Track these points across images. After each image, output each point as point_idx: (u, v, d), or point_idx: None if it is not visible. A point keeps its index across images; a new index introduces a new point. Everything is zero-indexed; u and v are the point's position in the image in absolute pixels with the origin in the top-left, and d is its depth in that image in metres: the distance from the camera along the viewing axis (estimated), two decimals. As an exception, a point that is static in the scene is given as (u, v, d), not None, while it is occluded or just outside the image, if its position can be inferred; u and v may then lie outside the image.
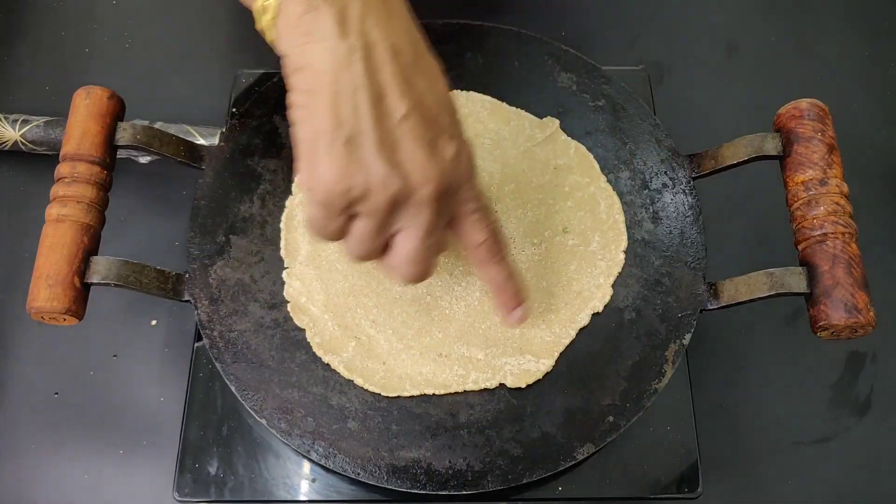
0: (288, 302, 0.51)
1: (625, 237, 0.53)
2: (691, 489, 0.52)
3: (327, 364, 0.49)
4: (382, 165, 0.38)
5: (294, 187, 0.55)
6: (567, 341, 0.50)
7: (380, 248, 0.42)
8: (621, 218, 0.53)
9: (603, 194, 0.54)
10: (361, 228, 0.41)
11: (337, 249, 0.52)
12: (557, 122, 0.57)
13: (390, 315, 0.51)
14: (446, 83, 0.42)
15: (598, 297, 0.51)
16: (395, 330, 0.50)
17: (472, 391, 0.49)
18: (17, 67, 0.73)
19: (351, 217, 0.40)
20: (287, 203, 0.54)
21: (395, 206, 0.40)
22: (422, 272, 0.42)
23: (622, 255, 0.52)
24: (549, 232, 0.53)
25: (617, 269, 0.52)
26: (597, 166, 0.55)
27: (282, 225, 0.54)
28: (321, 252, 0.52)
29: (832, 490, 0.59)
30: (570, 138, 0.56)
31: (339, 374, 0.49)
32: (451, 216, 0.42)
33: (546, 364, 0.49)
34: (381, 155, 0.38)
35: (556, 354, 0.50)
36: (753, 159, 0.52)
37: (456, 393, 0.49)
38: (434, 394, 0.49)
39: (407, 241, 0.41)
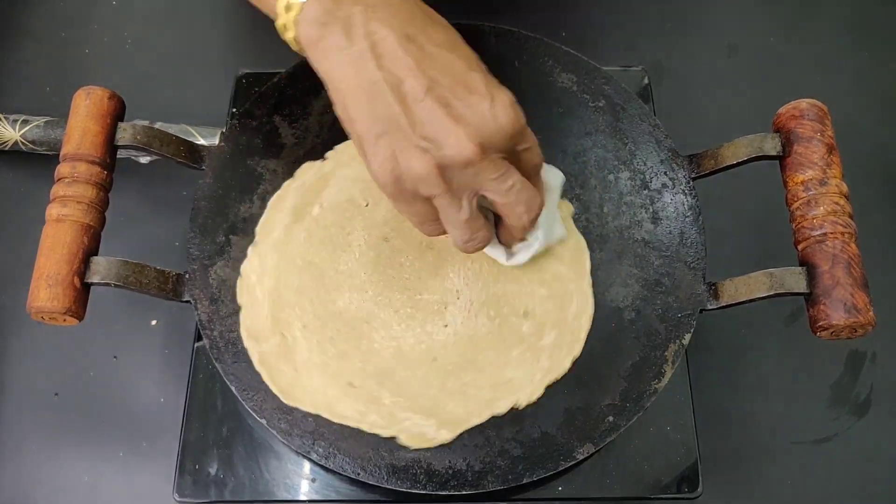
0: (240, 276, 0.51)
1: (580, 348, 0.50)
2: (691, 489, 0.52)
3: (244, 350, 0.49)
4: (416, 147, 0.40)
5: (298, 171, 0.55)
6: (475, 421, 0.48)
7: (482, 224, 0.44)
8: (586, 327, 0.51)
9: (580, 296, 0.51)
10: (441, 207, 0.43)
11: (302, 244, 0.52)
12: (572, 208, 0.55)
13: (323, 326, 0.50)
14: (466, 50, 0.43)
15: (526, 392, 0.49)
16: (320, 342, 0.49)
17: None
18: (17, 67, 0.73)
19: (428, 201, 0.43)
20: (284, 184, 0.54)
21: (450, 177, 0.41)
22: (531, 201, 0.44)
23: (569, 364, 0.50)
24: (508, 310, 0.51)
25: (556, 375, 0.49)
26: (587, 266, 0.53)
27: (269, 203, 0.53)
28: (292, 240, 0.52)
29: (832, 490, 0.59)
30: (575, 228, 0.54)
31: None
32: (512, 157, 0.43)
33: (444, 435, 0.47)
34: (414, 137, 0.40)
35: (458, 432, 0.47)
36: (753, 159, 0.52)
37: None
38: (328, 419, 0.47)
39: (497, 195, 0.43)
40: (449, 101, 0.40)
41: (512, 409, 0.48)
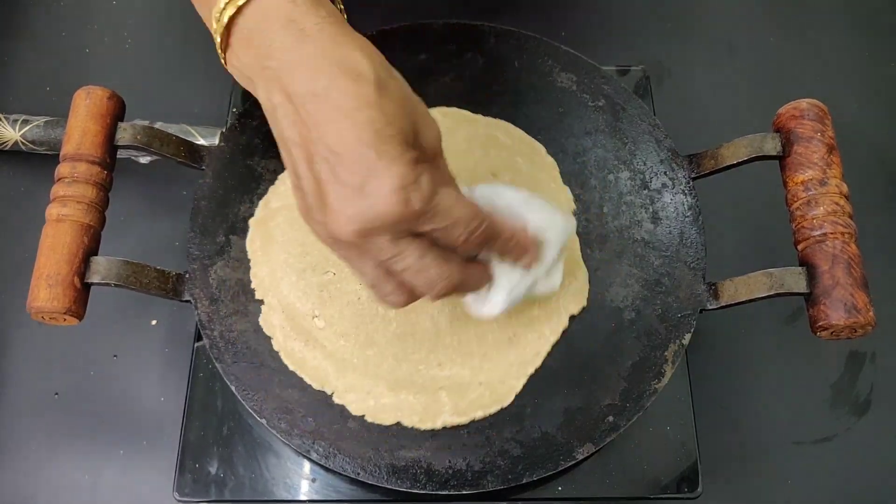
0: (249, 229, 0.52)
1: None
2: (691, 489, 0.52)
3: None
4: (312, 213, 0.40)
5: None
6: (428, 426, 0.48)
7: (391, 289, 0.41)
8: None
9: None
10: (347, 263, 0.42)
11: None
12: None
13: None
14: (371, 112, 0.38)
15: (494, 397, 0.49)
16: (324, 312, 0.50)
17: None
18: (17, 67, 0.73)
19: None
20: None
21: (342, 245, 0.40)
22: (432, 283, 0.41)
23: (540, 359, 0.50)
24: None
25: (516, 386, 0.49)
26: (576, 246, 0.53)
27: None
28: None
29: (832, 490, 0.59)
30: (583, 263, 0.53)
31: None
32: (428, 236, 0.41)
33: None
34: (309, 203, 0.39)
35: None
36: (753, 159, 0.52)
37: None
38: (306, 380, 0.49)
39: (392, 270, 0.40)
40: (329, 178, 0.38)
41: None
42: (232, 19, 0.40)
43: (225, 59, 0.43)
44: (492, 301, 0.45)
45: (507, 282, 0.45)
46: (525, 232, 0.44)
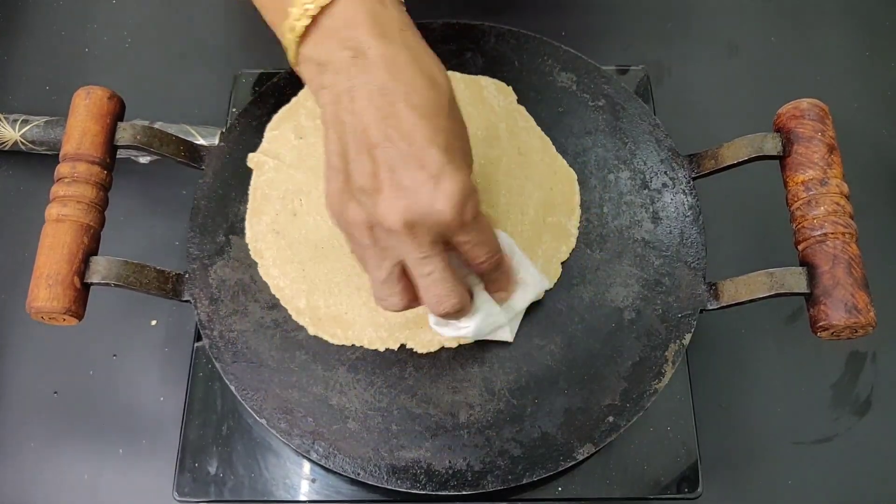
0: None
1: (507, 339, 0.50)
2: (691, 489, 0.52)
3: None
4: (355, 195, 0.41)
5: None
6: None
7: (397, 290, 0.43)
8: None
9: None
10: (366, 258, 0.43)
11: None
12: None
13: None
14: (445, 122, 0.41)
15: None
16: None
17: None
18: (17, 67, 0.73)
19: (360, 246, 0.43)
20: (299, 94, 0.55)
21: (377, 236, 0.41)
22: (442, 298, 0.42)
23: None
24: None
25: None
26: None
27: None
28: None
29: (832, 490, 0.59)
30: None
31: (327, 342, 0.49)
32: (451, 242, 0.42)
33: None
34: (357, 185, 0.40)
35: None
36: (753, 159, 0.52)
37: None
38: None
39: (413, 272, 0.42)
40: (396, 165, 0.39)
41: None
42: (320, 13, 0.42)
43: (299, 46, 0.43)
44: (463, 325, 0.47)
45: (485, 313, 0.47)
46: (511, 269, 0.48)
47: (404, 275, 0.43)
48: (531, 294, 0.49)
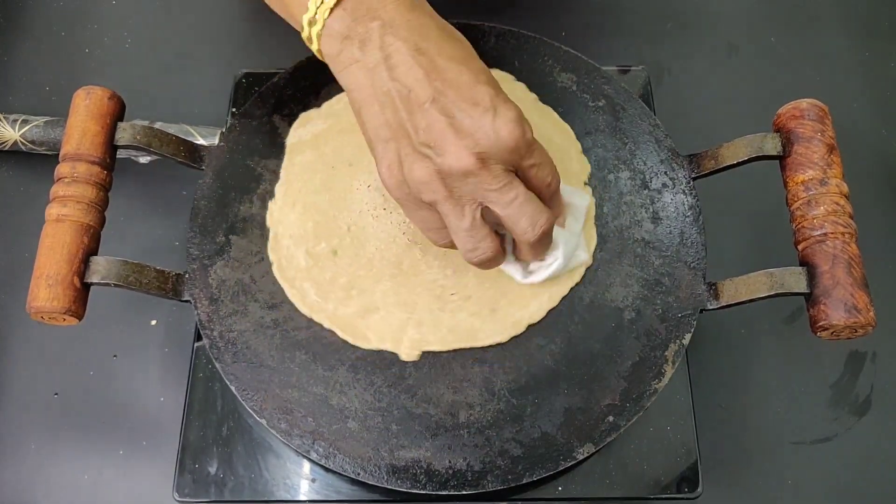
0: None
1: (586, 259, 0.52)
2: (691, 489, 0.52)
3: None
4: (419, 153, 0.42)
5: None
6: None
7: (485, 233, 0.44)
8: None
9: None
10: (444, 215, 0.44)
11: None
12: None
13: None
14: (477, 64, 0.44)
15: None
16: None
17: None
18: (17, 67, 0.74)
19: (433, 208, 0.44)
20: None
21: (451, 185, 0.42)
22: (536, 216, 0.43)
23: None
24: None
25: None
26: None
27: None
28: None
29: (832, 490, 0.59)
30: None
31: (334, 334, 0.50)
32: (520, 172, 0.44)
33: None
34: (417, 144, 0.42)
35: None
36: (753, 159, 0.52)
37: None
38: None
39: (498, 207, 0.43)
40: (452, 111, 0.41)
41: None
42: None
43: (325, 22, 0.44)
44: (550, 260, 0.49)
45: (563, 240, 0.49)
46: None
47: (486, 221, 0.44)
48: (582, 212, 0.51)
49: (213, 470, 0.52)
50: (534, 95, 0.57)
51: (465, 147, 0.41)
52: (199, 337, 0.55)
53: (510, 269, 0.50)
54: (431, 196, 0.43)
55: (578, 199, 0.51)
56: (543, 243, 0.46)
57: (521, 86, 0.58)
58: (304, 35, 0.45)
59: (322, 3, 0.43)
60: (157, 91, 0.71)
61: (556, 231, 0.48)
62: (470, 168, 0.41)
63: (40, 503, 0.58)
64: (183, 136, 0.56)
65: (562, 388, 0.49)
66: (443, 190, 0.42)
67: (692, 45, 0.76)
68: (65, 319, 0.47)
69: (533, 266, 0.49)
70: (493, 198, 0.43)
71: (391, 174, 0.43)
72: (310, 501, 0.52)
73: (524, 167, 0.43)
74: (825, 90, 0.62)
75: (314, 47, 0.45)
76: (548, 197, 0.46)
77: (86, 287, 0.48)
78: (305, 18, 0.44)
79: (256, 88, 0.59)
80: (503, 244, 0.47)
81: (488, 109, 0.41)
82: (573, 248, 0.50)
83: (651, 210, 0.54)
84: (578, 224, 0.51)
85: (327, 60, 0.45)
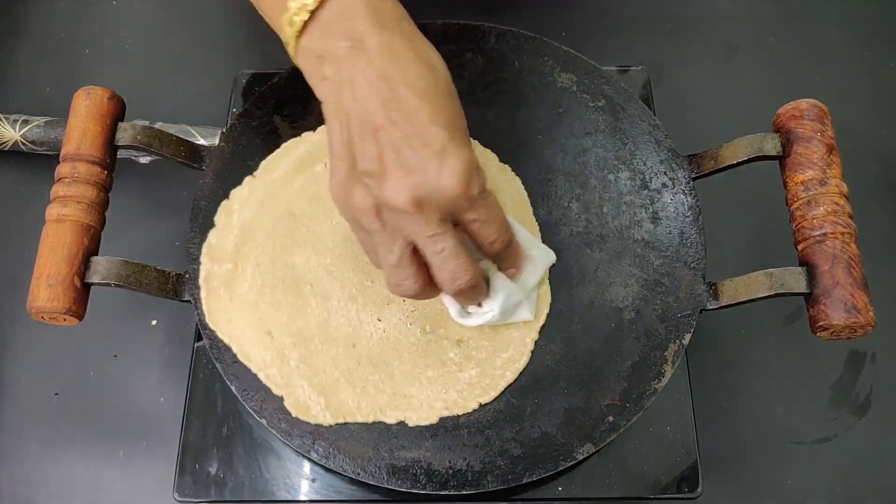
0: (227, 198, 0.53)
1: (491, 396, 0.49)
2: (691, 489, 0.52)
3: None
4: (361, 179, 0.41)
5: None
6: (360, 419, 0.48)
7: (410, 273, 0.43)
8: (509, 379, 0.49)
9: (518, 347, 0.50)
10: (377, 244, 0.43)
11: (295, 192, 0.53)
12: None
13: (272, 272, 0.51)
14: (444, 101, 0.42)
15: (420, 415, 0.48)
16: (262, 285, 0.51)
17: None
18: (17, 67, 0.73)
19: (369, 234, 0.43)
20: (305, 134, 0.56)
21: (387, 219, 0.42)
22: (457, 273, 0.43)
23: (474, 406, 0.48)
24: (445, 331, 0.50)
25: (456, 412, 0.48)
26: (541, 322, 0.51)
27: (283, 145, 0.55)
28: (286, 186, 0.53)
29: (832, 490, 0.59)
30: (547, 281, 0.52)
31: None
32: (461, 224, 0.43)
33: (325, 418, 0.48)
34: (362, 169, 0.41)
35: (338, 421, 0.48)
36: (753, 159, 0.52)
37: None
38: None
39: (426, 252, 0.42)
40: (400, 146, 0.40)
41: (399, 423, 0.48)
42: (318, 6, 0.42)
43: (298, 39, 0.44)
44: (486, 309, 0.48)
45: (505, 293, 0.47)
46: (519, 246, 0.48)
47: (416, 257, 0.43)
48: (541, 268, 0.50)
49: (213, 470, 0.52)
50: (494, 157, 0.56)
51: (405, 185, 0.40)
52: (199, 337, 0.55)
53: (448, 304, 0.49)
54: (367, 224, 0.42)
55: (543, 253, 0.50)
56: (467, 297, 0.45)
57: (489, 152, 0.56)
58: (283, 38, 0.45)
59: (292, 23, 0.43)
60: (157, 91, 0.71)
61: (502, 283, 0.47)
62: (405, 208, 0.40)
63: (40, 503, 0.58)
64: (183, 136, 0.56)
65: (562, 388, 0.49)
66: (376, 222, 0.42)
67: (692, 45, 0.76)
68: (65, 319, 0.47)
69: (472, 308, 0.48)
70: (421, 242, 0.42)
71: (337, 192, 0.43)
72: (310, 501, 0.52)
73: (465, 220, 0.42)
74: (825, 90, 0.62)
75: (290, 50, 0.45)
76: (491, 253, 0.45)
77: (86, 287, 0.48)
78: (285, 19, 0.43)
79: (256, 88, 0.59)
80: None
81: (437, 154, 0.40)
82: (515, 303, 0.48)
83: (651, 210, 0.54)
84: (534, 278, 0.49)
85: (304, 74, 0.45)
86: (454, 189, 0.40)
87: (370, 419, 0.48)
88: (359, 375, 0.49)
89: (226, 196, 0.54)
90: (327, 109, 0.43)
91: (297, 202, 0.53)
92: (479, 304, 0.48)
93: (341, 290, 0.51)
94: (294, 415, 0.47)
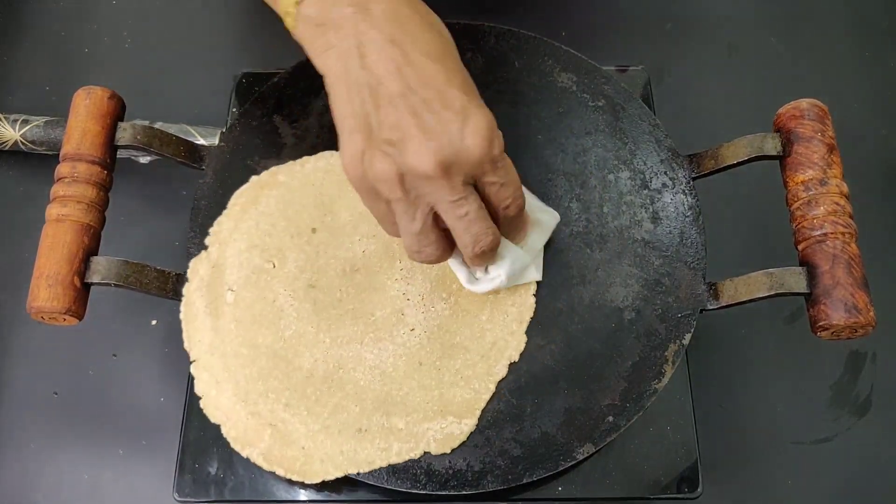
0: (200, 398, 0.48)
1: (536, 278, 0.50)
2: (691, 489, 0.52)
3: (246, 458, 0.47)
4: (381, 148, 0.40)
5: (188, 272, 0.51)
6: (487, 396, 0.48)
7: (433, 239, 0.43)
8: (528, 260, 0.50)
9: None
10: (397, 213, 0.43)
11: (238, 335, 0.49)
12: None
13: (303, 395, 0.47)
14: (454, 63, 0.42)
15: (513, 345, 0.49)
16: (309, 410, 0.47)
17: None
18: (17, 67, 0.73)
19: (389, 203, 0.43)
20: (184, 290, 0.50)
21: (409, 186, 0.41)
22: (480, 236, 0.43)
23: (532, 299, 0.50)
24: (457, 284, 0.50)
25: (529, 314, 0.50)
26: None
27: (181, 316, 0.50)
28: (224, 338, 0.49)
29: (832, 490, 0.59)
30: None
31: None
32: (479, 186, 0.43)
33: (469, 424, 0.47)
34: (380, 139, 0.40)
35: (478, 412, 0.48)
36: (753, 159, 0.52)
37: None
38: (359, 472, 0.46)
39: (447, 216, 0.42)
40: (420, 111, 0.40)
41: (511, 365, 0.49)
42: None
43: (297, 6, 0.43)
44: (494, 274, 0.48)
45: (511, 257, 0.48)
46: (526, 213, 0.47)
47: (437, 224, 0.43)
48: (546, 231, 0.50)
49: (213, 470, 0.52)
50: None
51: (428, 149, 0.39)
52: (199, 337, 0.55)
53: (458, 270, 0.49)
54: (388, 193, 0.41)
55: (548, 216, 0.51)
56: (483, 259, 0.45)
57: None
58: (281, 9, 0.44)
59: None
60: (157, 91, 0.71)
61: (508, 248, 0.47)
62: (430, 173, 0.40)
63: (40, 503, 0.58)
64: (183, 136, 0.56)
65: (562, 388, 0.49)
66: (398, 190, 0.41)
67: (692, 45, 0.76)
68: (65, 319, 0.47)
69: (479, 275, 0.49)
70: (444, 207, 0.42)
71: (353, 166, 0.42)
72: (310, 501, 0.52)
73: (485, 182, 0.42)
74: (825, 90, 0.62)
75: (289, 21, 0.44)
76: (502, 218, 0.45)
77: (86, 287, 0.48)
78: (282, 7, 0.43)
79: (256, 88, 0.59)
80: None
81: (458, 114, 0.40)
82: (522, 267, 0.49)
83: (651, 210, 0.54)
84: (541, 241, 0.50)
85: (304, 46, 0.44)
86: (479, 149, 0.40)
87: (493, 388, 0.48)
88: (449, 375, 0.49)
89: (225, 198, 0.53)
90: (333, 81, 0.42)
91: (248, 336, 0.49)
92: (486, 270, 0.48)
93: (362, 345, 0.49)
94: (450, 449, 0.47)
